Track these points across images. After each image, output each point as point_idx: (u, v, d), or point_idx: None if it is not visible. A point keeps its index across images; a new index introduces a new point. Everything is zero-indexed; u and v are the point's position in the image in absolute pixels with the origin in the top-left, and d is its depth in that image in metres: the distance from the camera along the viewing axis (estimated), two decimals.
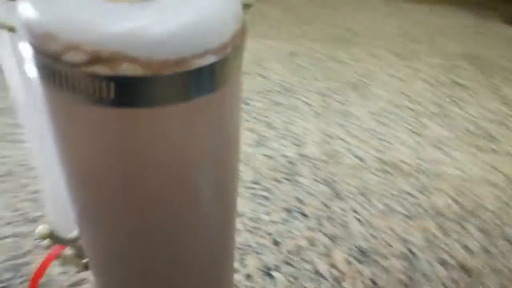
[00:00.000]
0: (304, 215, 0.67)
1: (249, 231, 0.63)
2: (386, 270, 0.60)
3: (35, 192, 0.68)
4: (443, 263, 0.61)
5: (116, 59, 0.17)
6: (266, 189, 0.71)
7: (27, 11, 0.18)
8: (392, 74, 1.15)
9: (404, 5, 1.72)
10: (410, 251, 0.63)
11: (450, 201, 0.73)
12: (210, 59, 0.19)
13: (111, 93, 0.18)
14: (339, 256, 0.61)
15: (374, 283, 0.58)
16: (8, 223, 0.62)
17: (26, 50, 0.19)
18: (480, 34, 1.50)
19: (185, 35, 0.18)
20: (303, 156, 0.80)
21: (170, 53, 0.18)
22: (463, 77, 1.17)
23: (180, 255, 0.27)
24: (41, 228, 0.28)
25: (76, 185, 0.24)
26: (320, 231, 0.65)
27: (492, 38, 1.47)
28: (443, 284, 0.58)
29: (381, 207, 0.71)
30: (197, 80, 0.19)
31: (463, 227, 0.68)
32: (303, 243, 0.63)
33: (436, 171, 0.80)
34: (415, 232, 0.66)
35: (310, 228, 0.65)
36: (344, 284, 0.57)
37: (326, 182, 0.74)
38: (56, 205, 0.37)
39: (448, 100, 1.05)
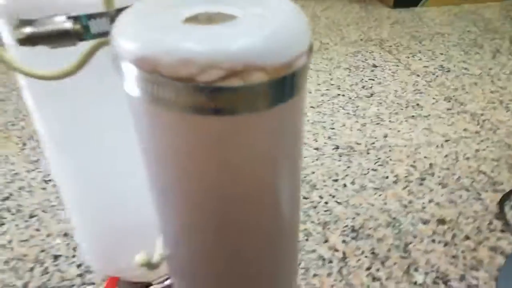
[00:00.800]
0: None
1: None
2: (380, 240, 0.65)
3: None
4: (423, 221, 0.68)
5: (247, 71, 0.18)
6: None
7: (145, 43, 0.18)
8: (314, 68, 1.23)
9: (297, 2, 1.84)
10: (393, 218, 0.69)
11: (408, 167, 0.81)
12: (301, 63, 0.20)
13: (219, 102, 0.19)
14: (335, 239, 0.65)
15: (374, 253, 0.62)
16: None
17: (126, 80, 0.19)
18: (375, 20, 1.67)
19: (288, 42, 0.19)
20: None
21: (283, 58, 0.19)
22: (376, 59, 1.29)
23: (258, 262, 0.27)
24: (139, 257, 0.27)
25: (173, 200, 0.23)
26: (311, 221, 0.68)
27: (385, 21, 1.65)
28: (429, 237, 0.65)
29: (353, 186, 0.76)
30: (292, 83, 0.21)
31: (426, 186, 0.76)
32: (300, 236, 0.65)
33: (386, 145, 0.88)
34: (390, 201, 0.73)
35: (301, 222, 0.68)
36: (349, 261, 0.61)
37: None
38: (91, 240, 0.35)
39: (370, 81, 1.16)
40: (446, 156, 0.84)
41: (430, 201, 0.73)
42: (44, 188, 0.78)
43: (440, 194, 0.74)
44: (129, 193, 0.34)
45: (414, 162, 0.82)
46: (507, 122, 0.95)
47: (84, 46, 0.25)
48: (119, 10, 0.24)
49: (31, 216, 0.71)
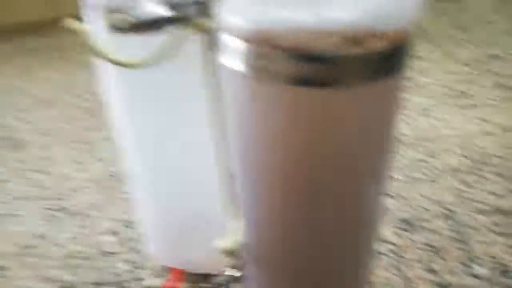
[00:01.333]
0: None
1: None
2: (435, 231, 0.62)
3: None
4: (480, 211, 0.65)
5: (368, 37, 0.17)
6: None
7: (283, 21, 0.18)
8: None
9: None
10: (448, 209, 0.66)
11: (460, 158, 0.77)
12: (399, 40, 0.19)
13: (313, 70, 0.18)
14: (389, 232, 0.63)
15: (430, 246, 0.60)
16: None
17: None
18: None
19: (403, 8, 0.19)
20: None
21: (400, 25, 0.19)
22: (419, 50, 1.25)
23: (342, 248, 0.27)
24: (220, 243, 0.27)
25: (267, 180, 0.23)
26: None
27: (428, 12, 1.59)
28: (488, 228, 0.62)
29: (404, 178, 0.73)
30: (402, 54, 0.20)
31: (481, 176, 0.72)
32: None
33: (435, 135, 0.84)
34: (443, 192, 0.70)
35: None
36: (405, 255, 0.59)
37: None
38: (159, 231, 0.36)
39: (415, 73, 1.12)
40: (500, 144, 0.80)
41: (487, 191, 0.69)
42: (88, 187, 0.81)
43: (497, 183, 0.70)
44: (198, 186, 0.34)
45: (467, 152, 0.79)
46: None
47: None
48: None
49: (81, 215, 0.74)
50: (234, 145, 0.25)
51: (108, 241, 0.68)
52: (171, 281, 0.34)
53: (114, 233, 0.71)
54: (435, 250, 0.59)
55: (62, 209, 0.76)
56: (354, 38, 0.17)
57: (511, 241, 0.59)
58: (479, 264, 0.57)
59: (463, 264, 0.57)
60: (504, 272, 0.55)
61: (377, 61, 0.18)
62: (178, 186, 0.36)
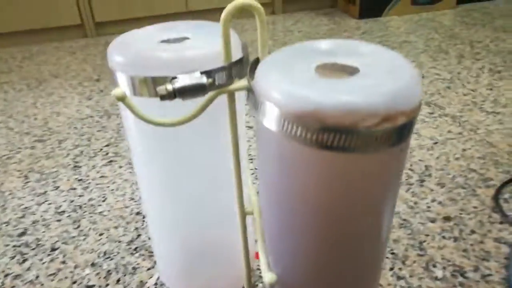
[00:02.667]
0: None
1: None
2: (397, 241, 0.70)
3: None
4: (430, 219, 0.74)
5: (396, 116, 0.22)
6: None
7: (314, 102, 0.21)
8: None
9: (268, 17, 1.91)
10: (404, 219, 0.74)
11: (407, 171, 0.87)
12: (410, 117, 0.24)
13: (350, 141, 0.22)
14: None
15: (394, 254, 0.67)
16: None
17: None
18: (344, 31, 1.75)
19: (415, 90, 0.23)
20: None
21: (414, 103, 0.23)
22: None
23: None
24: (268, 277, 0.29)
25: (298, 225, 0.26)
26: None
27: (355, 32, 1.73)
28: (439, 234, 0.71)
29: None
30: (400, 132, 0.24)
31: (427, 187, 0.82)
32: None
33: None
34: (399, 203, 0.78)
35: None
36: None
37: None
38: (174, 260, 0.37)
39: None
40: (438, 158, 0.91)
41: (433, 200, 0.79)
42: (59, 220, 0.78)
43: (440, 194, 0.80)
44: (213, 219, 0.36)
45: (411, 165, 0.89)
46: (484, 122, 1.04)
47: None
48: (235, 63, 0.28)
49: (53, 249, 0.71)
50: (265, 194, 0.28)
51: (88, 274, 0.66)
52: None
53: (93, 265, 0.69)
54: (399, 257, 0.67)
55: (29, 244, 0.72)
56: (388, 117, 0.22)
57: (459, 244, 0.69)
58: (437, 268, 0.65)
59: (424, 268, 0.65)
60: (460, 272, 0.64)
61: (398, 132, 0.23)
62: (194, 219, 0.37)
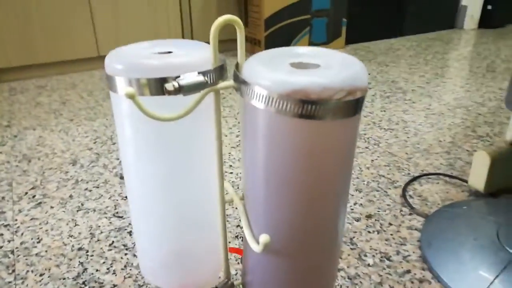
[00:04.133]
0: None
1: None
2: None
3: None
4: (355, 219, 0.85)
5: (355, 91, 0.30)
6: None
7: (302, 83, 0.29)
8: (228, 114, 1.37)
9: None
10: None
11: None
12: (364, 93, 0.33)
13: (325, 111, 0.31)
14: None
15: None
16: None
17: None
18: None
19: (365, 74, 0.33)
20: None
21: (365, 83, 0.32)
22: None
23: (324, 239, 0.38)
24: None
25: (274, 187, 0.33)
26: None
27: None
28: (365, 230, 0.82)
29: None
30: (357, 104, 0.33)
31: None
32: None
33: None
34: None
35: None
36: None
37: None
38: (161, 259, 0.40)
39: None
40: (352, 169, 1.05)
41: (355, 203, 0.90)
42: None
43: (360, 198, 0.93)
44: (199, 217, 0.41)
45: None
46: (384, 137, 1.22)
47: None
48: (220, 67, 0.34)
49: None
50: (252, 169, 0.35)
51: None
52: None
53: None
54: None
55: None
56: (351, 91, 0.30)
57: (382, 235, 0.80)
58: (368, 257, 0.75)
59: (358, 258, 0.75)
60: (386, 257, 0.75)
61: (356, 104, 0.32)
62: (181, 220, 0.41)
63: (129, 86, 0.32)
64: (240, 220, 0.86)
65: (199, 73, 0.32)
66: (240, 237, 0.81)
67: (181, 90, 0.31)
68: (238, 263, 0.75)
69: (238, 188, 0.97)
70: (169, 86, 0.30)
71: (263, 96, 0.29)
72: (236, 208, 0.90)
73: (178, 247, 0.41)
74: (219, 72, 0.34)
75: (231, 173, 1.04)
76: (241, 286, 0.44)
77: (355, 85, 0.30)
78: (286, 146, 0.31)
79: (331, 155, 0.32)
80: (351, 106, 0.30)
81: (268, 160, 0.32)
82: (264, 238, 0.33)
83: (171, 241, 0.40)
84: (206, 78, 0.32)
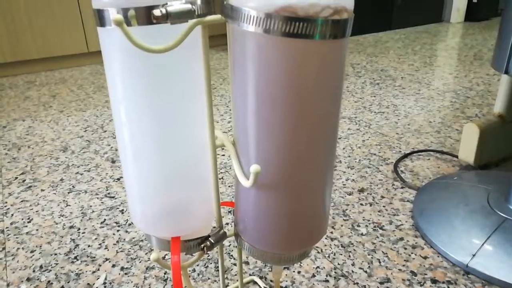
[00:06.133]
0: None
1: None
2: None
3: None
4: (348, 193, 0.85)
5: (342, 11, 0.31)
6: None
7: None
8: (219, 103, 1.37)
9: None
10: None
11: None
12: (350, 16, 0.33)
13: (312, 29, 0.30)
14: None
15: None
16: None
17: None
18: None
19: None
20: None
21: (351, 6, 0.32)
22: None
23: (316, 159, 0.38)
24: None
25: (264, 117, 0.33)
26: None
27: None
28: (357, 203, 0.82)
29: None
30: (344, 25, 0.33)
31: (341, 170, 0.94)
32: None
33: None
34: None
35: None
36: None
37: None
38: (154, 206, 0.40)
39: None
40: (344, 148, 1.05)
41: (347, 179, 0.91)
42: None
43: (352, 174, 0.93)
44: (188, 160, 0.40)
45: None
46: (374, 120, 1.23)
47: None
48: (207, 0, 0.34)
49: None
50: (243, 97, 0.34)
51: None
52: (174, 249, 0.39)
53: (29, 279, 0.64)
54: (330, 224, 0.76)
55: None
56: (337, 10, 0.31)
57: (374, 207, 0.81)
58: (361, 226, 0.75)
59: (351, 228, 0.75)
60: (379, 227, 0.75)
61: (343, 25, 0.32)
62: (168, 165, 0.41)
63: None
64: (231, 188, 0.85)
65: (186, 1, 0.32)
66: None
67: (169, 16, 0.31)
68: (230, 212, 0.75)
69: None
70: (156, 12, 0.30)
71: (250, 17, 0.30)
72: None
73: (171, 197, 0.40)
74: (207, 4, 0.34)
75: (223, 155, 1.04)
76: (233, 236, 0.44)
77: (341, 4, 0.30)
78: (275, 68, 0.31)
79: (319, 78, 0.32)
80: (338, 27, 0.31)
81: (257, 87, 0.32)
82: (254, 168, 0.33)
83: (163, 191, 0.40)
84: (193, 7, 0.32)
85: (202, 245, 0.42)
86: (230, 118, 1.26)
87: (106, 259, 0.69)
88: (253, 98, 0.33)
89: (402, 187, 0.87)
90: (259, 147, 0.35)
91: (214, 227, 0.44)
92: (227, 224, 0.77)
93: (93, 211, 0.82)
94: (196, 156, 0.41)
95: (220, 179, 0.91)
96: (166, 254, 0.70)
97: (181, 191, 0.41)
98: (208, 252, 0.43)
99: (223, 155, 1.04)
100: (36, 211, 0.83)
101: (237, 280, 0.64)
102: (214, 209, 0.44)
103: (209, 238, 0.43)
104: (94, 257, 0.69)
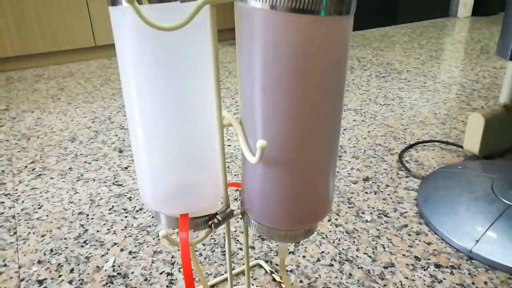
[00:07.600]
0: None
1: None
2: None
3: None
4: (353, 182, 0.86)
5: None
6: None
7: None
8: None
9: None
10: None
11: None
12: None
13: (318, 4, 0.31)
14: None
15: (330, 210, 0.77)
16: None
17: None
18: None
19: None
20: None
21: None
22: None
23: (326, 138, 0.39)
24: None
25: (270, 93, 0.34)
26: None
27: None
28: (362, 191, 0.83)
29: None
30: (349, 2, 0.34)
31: (345, 160, 0.95)
32: None
33: None
34: None
35: None
36: None
37: None
38: (164, 186, 0.41)
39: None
40: (349, 139, 1.06)
41: (352, 168, 0.91)
42: None
43: (357, 163, 0.94)
44: (198, 139, 0.41)
45: None
46: (379, 111, 1.23)
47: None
48: None
49: None
50: (250, 75, 0.35)
51: (37, 271, 0.63)
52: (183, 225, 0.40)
53: (40, 262, 0.66)
54: (333, 211, 0.77)
55: None
56: None
57: (379, 195, 0.81)
58: (366, 214, 0.76)
59: (355, 215, 0.76)
60: (383, 214, 0.76)
61: (348, 1, 0.32)
62: (178, 142, 0.42)
63: None
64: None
65: None
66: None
67: None
68: (237, 192, 0.76)
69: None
70: None
71: None
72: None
73: (181, 175, 0.42)
74: None
75: (229, 146, 1.05)
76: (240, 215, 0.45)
77: None
78: (281, 44, 0.32)
79: (324, 54, 0.33)
80: (343, 3, 0.31)
81: (264, 64, 0.33)
82: (260, 142, 0.34)
83: (174, 169, 0.41)
84: None
85: (210, 222, 0.43)
86: (236, 110, 1.27)
87: (115, 244, 0.70)
88: (259, 75, 0.34)
89: (406, 176, 0.88)
90: (265, 124, 0.36)
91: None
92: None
93: (101, 198, 0.84)
94: (206, 135, 0.42)
95: (226, 168, 0.92)
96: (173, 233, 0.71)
97: (191, 169, 0.42)
98: (215, 229, 0.44)
99: (229, 145, 1.05)
100: (46, 198, 0.84)
101: (243, 264, 0.65)
102: (221, 187, 0.45)
103: (217, 216, 0.44)
104: (103, 242, 0.71)
